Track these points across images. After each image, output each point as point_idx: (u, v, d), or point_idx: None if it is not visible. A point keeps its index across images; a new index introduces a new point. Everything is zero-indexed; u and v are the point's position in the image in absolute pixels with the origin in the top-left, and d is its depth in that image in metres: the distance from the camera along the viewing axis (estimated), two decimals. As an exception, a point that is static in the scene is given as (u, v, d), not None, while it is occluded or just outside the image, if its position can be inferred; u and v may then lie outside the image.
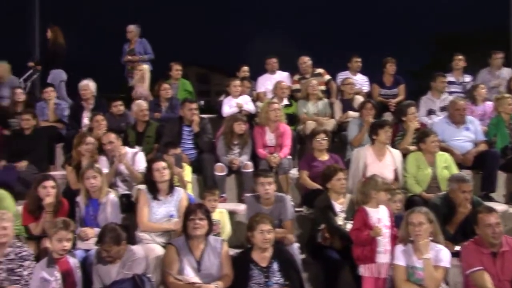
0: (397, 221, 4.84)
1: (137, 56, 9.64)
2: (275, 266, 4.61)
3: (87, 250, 4.99)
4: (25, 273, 4.54)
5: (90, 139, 6.35)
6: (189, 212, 4.71)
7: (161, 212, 5.31)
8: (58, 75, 9.42)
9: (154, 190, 5.37)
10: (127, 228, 4.80)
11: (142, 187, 5.63)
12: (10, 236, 4.69)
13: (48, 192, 5.30)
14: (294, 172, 6.88)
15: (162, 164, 5.41)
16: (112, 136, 6.26)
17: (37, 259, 4.80)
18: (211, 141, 7.19)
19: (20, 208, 5.53)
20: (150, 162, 5.68)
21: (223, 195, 6.68)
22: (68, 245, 4.52)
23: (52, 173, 6.70)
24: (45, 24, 10.15)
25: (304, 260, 5.32)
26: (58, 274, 4.43)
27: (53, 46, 9.52)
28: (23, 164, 6.68)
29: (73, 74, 9.50)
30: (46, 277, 4.40)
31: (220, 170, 6.72)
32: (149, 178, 5.43)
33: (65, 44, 9.63)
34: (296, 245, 5.21)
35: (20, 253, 4.64)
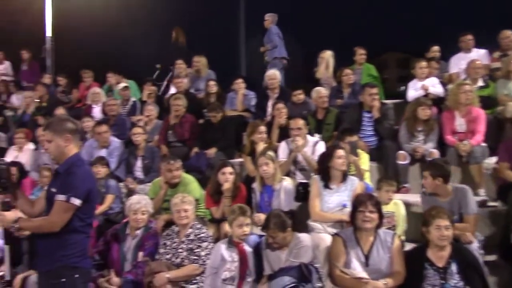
0: None
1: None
2: (454, 267, 4.10)
3: (261, 236, 5.09)
4: (202, 253, 4.82)
5: (262, 128, 6.46)
6: (359, 203, 4.44)
7: (334, 201, 5.13)
8: None
9: (327, 178, 5.21)
10: (293, 215, 4.75)
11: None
12: (191, 218, 5.03)
13: (227, 178, 5.55)
14: (488, 161, 6.08)
15: (341, 152, 5.18)
16: (301, 123, 6.24)
17: (217, 241, 5.07)
18: (392, 127, 6.76)
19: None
20: (329, 149, 5.47)
21: (406, 185, 6.24)
22: (247, 230, 4.68)
23: (237, 160, 7.05)
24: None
25: (494, 263, 4.65)
26: (236, 257, 4.61)
27: (175, 45, 10.34)
28: (212, 151, 7.11)
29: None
30: (225, 256, 4.61)
31: (402, 158, 6.28)
32: (325, 165, 5.25)
33: (186, 43, 10.43)
34: (475, 245, 4.56)
35: (199, 234, 4.95)
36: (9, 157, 7.66)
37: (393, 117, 6.93)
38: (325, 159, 5.23)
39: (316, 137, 6.60)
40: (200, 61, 9.64)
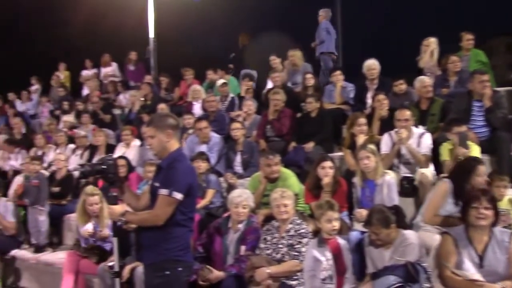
0: None
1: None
2: None
3: (363, 232, 4.91)
4: (303, 249, 4.72)
5: (362, 120, 6.23)
6: (472, 199, 4.06)
7: (455, 210, 4.69)
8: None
9: (459, 194, 4.65)
10: (398, 211, 4.50)
11: (426, 171, 5.21)
12: (291, 214, 4.95)
13: (326, 172, 5.41)
14: None
15: (483, 169, 4.72)
16: (408, 113, 5.96)
17: (315, 236, 4.95)
18: (506, 117, 6.22)
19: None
20: (469, 164, 4.87)
21: (524, 180, 5.72)
22: (336, 225, 4.51)
23: (336, 154, 6.88)
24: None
25: None
26: (329, 255, 4.46)
27: (243, 49, 10.91)
28: (310, 145, 6.99)
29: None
30: (318, 256, 4.47)
31: (518, 150, 5.77)
32: (462, 182, 4.68)
33: (251, 47, 10.97)
34: None
35: (299, 230, 4.86)
36: (117, 153, 8.08)
37: (507, 105, 6.38)
38: (464, 176, 4.69)
39: (421, 128, 6.26)
40: (295, 54, 9.61)
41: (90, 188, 6.04)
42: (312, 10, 10.95)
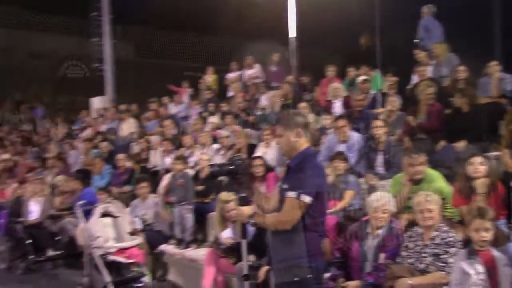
0: None
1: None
2: None
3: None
4: (450, 260, 4.23)
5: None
6: None
7: None
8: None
9: None
10: None
11: None
12: (436, 220, 4.48)
13: (476, 169, 4.83)
14: None
15: None
16: None
17: (466, 246, 4.41)
18: None
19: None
20: None
21: None
22: (487, 235, 3.96)
23: (493, 153, 6.16)
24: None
25: None
26: (480, 268, 3.91)
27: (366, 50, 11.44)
28: (461, 144, 6.35)
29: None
30: (466, 269, 3.94)
31: None
32: None
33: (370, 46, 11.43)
34: None
35: (446, 238, 4.37)
36: (258, 153, 8.13)
37: None
38: None
39: None
40: (438, 46, 8.98)
41: (224, 195, 6.14)
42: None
